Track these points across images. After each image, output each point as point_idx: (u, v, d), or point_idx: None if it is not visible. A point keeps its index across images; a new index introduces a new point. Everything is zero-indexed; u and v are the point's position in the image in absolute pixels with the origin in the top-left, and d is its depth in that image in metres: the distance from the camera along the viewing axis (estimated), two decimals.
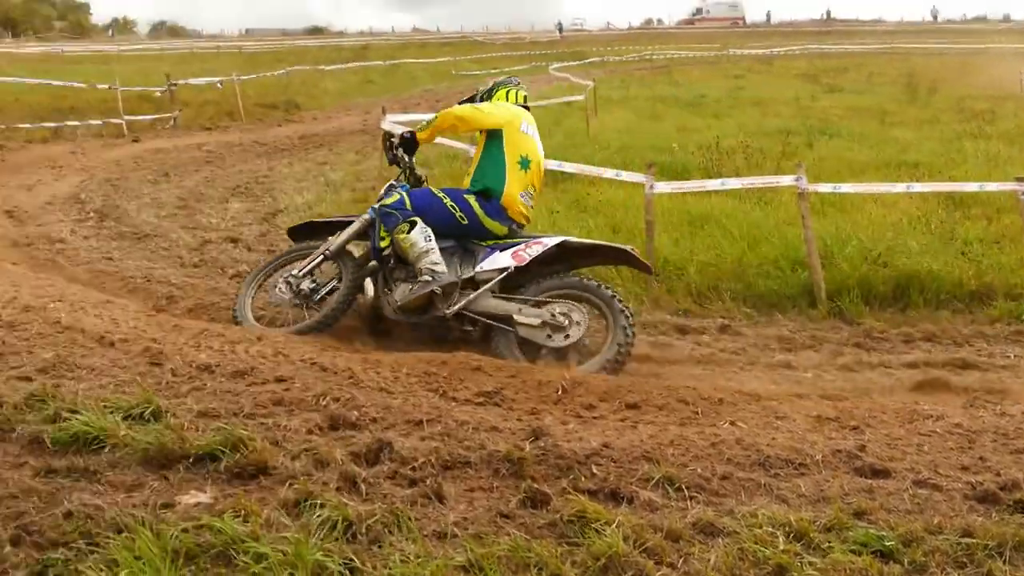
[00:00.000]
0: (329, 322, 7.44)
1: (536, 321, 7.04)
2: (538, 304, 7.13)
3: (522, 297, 7.20)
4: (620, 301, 7.17)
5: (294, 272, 7.71)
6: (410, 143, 7.62)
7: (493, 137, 7.43)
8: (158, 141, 19.74)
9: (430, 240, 7.19)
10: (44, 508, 4.05)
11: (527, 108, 7.82)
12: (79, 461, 4.55)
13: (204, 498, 4.20)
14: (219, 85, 26.62)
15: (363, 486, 4.35)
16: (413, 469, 4.55)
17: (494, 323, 7.13)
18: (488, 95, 7.89)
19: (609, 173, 10.14)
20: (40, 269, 9.08)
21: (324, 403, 5.40)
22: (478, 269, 7.25)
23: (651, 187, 9.15)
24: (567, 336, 7.02)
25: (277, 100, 28.28)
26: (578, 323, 7.04)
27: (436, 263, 7.14)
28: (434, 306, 7.18)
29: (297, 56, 51.43)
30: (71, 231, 10.81)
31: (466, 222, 7.33)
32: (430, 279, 7.09)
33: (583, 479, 4.54)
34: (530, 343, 7.07)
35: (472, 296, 7.15)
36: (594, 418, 5.57)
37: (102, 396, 5.32)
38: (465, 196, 7.37)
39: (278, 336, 6.95)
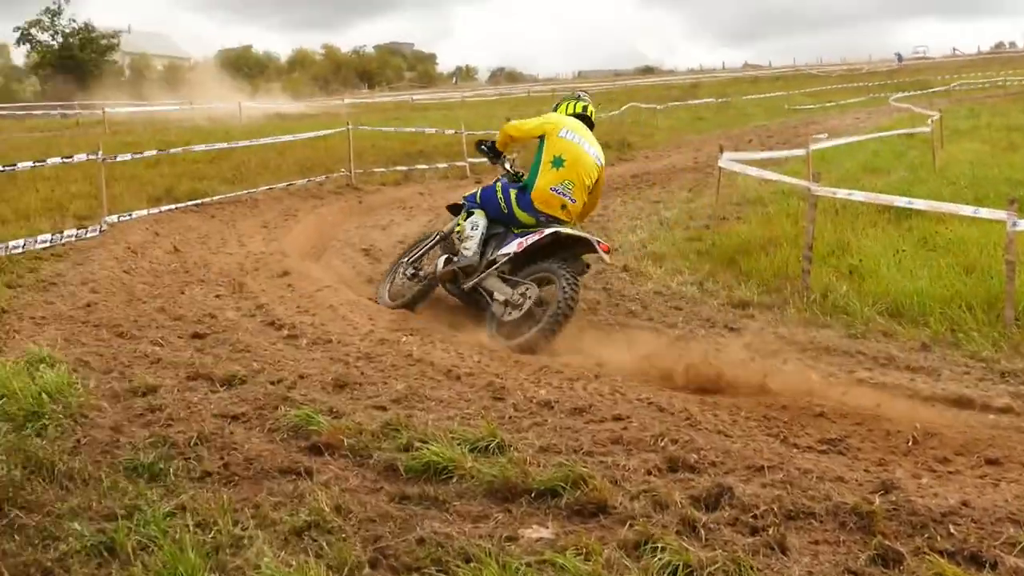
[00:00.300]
0: (409, 302, 9.26)
1: (501, 298, 8.44)
2: (515, 284, 8.46)
3: (510, 278, 8.55)
4: (568, 279, 8.11)
5: (405, 258, 9.75)
6: (493, 148, 9.24)
7: (540, 142, 8.90)
8: None
9: (475, 229, 8.90)
10: (399, 533, 4.27)
11: (586, 116, 9.20)
12: (430, 489, 4.78)
13: (546, 533, 4.28)
14: None
15: (703, 531, 4.28)
16: (755, 517, 4.42)
17: (490, 298, 8.56)
18: (555, 108, 9.43)
19: (966, 210, 9.38)
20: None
21: (662, 444, 5.37)
22: (497, 253, 8.69)
23: (1013, 224, 8.41)
24: (510, 314, 8.34)
25: (610, 139, 28.78)
26: (520, 306, 8.31)
27: (468, 248, 8.77)
28: (458, 281, 8.78)
29: (628, 95, 52.24)
30: None
31: (506, 211, 8.88)
32: (456, 259, 8.82)
33: (939, 539, 4.24)
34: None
35: (483, 275, 8.64)
36: (949, 473, 5.19)
37: (450, 428, 5.59)
38: (511, 188, 8.92)
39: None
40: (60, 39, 74.63)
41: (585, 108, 9.22)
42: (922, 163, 19.39)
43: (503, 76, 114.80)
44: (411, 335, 7.99)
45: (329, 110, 53.85)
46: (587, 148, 8.88)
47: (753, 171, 12.49)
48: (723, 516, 4.44)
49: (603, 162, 9.12)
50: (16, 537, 4.32)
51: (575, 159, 8.73)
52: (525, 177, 8.94)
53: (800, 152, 17.31)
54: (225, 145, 18.77)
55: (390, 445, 5.37)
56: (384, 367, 7.11)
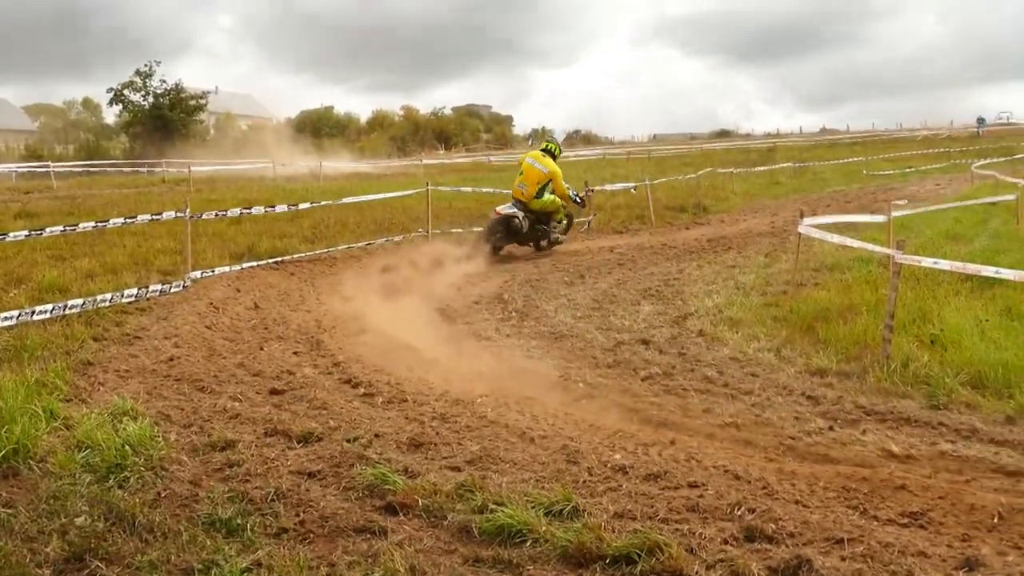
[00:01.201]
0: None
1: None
2: None
3: None
4: (491, 225, 18.21)
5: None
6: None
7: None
8: (574, 244, 20.66)
9: (506, 202, 18.44)
10: None
11: (547, 149, 18.78)
12: (503, 552, 4.79)
13: None
14: (634, 190, 27.56)
15: None
16: None
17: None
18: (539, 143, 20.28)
19: None
20: (468, 364, 9.69)
21: (739, 513, 5.31)
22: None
23: None
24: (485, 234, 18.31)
25: (686, 203, 28.79)
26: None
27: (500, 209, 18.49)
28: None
29: (704, 159, 52.22)
30: (495, 329, 11.49)
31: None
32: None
33: None
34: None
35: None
36: None
37: (524, 490, 5.59)
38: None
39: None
40: (151, 99, 77.07)
41: (546, 145, 19.00)
42: (1004, 232, 19.02)
43: (579, 138, 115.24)
44: (486, 397, 8.02)
45: (406, 170, 54.66)
46: (535, 164, 18.16)
47: (835, 238, 12.32)
48: None
49: (548, 171, 18.09)
50: None
51: (527, 170, 18.23)
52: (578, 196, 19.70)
53: (880, 218, 17.09)
54: (307, 205, 19.13)
55: (464, 507, 5.40)
56: (459, 428, 7.14)
